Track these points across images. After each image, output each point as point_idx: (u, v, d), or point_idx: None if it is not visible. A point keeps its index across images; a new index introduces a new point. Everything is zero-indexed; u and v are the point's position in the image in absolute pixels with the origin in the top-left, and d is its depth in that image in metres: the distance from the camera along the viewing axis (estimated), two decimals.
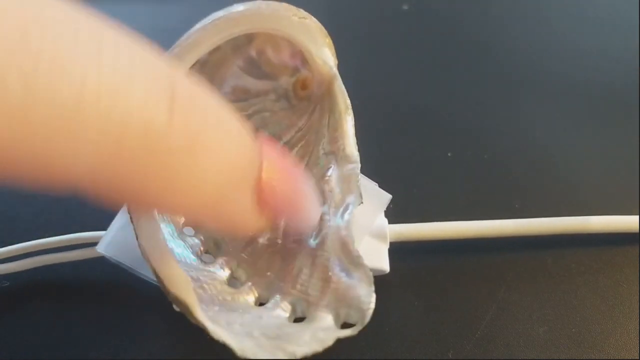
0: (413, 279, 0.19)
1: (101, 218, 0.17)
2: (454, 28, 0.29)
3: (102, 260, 0.17)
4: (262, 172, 0.11)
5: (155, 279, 0.14)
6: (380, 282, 0.14)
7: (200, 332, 0.13)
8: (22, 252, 0.18)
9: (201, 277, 0.16)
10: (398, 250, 0.18)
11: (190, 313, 0.13)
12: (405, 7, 0.30)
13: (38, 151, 0.08)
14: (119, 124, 0.08)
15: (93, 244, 0.17)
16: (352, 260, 0.15)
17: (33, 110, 0.07)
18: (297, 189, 0.13)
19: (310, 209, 0.13)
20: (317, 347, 0.13)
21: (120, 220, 0.17)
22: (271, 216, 0.12)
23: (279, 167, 0.12)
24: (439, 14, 0.30)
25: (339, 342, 0.13)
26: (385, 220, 0.18)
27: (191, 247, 0.16)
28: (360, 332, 0.14)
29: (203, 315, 0.13)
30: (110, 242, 0.17)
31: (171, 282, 0.13)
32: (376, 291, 0.14)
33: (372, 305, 0.14)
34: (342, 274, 0.15)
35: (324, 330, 0.14)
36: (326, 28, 0.16)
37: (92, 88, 0.08)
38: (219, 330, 0.13)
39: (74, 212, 0.20)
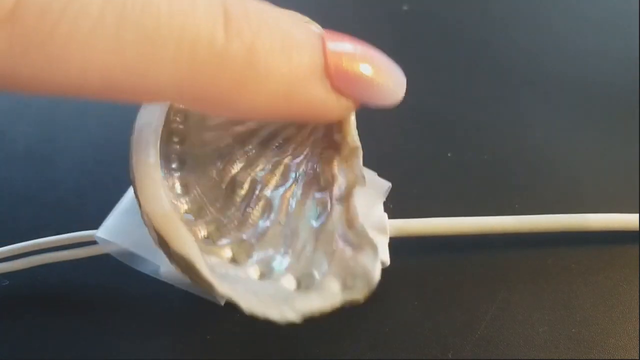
0: (413, 278, 0.19)
1: (100, 217, 0.17)
2: (454, 28, 0.29)
3: (102, 260, 0.17)
4: (328, 57, 0.12)
5: (155, 264, 0.13)
6: (380, 281, 0.14)
7: (200, 333, 0.13)
8: (21, 251, 0.18)
9: (202, 251, 0.15)
10: (398, 249, 0.18)
11: (196, 272, 0.13)
12: (405, 7, 0.30)
13: (131, 70, 0.10)
14: (190, 40, 0.10)
15: (92, 243, 0.17)
16: (356, 233, 0.15)
17: (124, 37, 0.10)
18: (370, 65, 0.13)
19: (389, 81, 0.13)
20: (327, 306, 0.13)
21: (121, 205, 0.17)
22: (353, 96, 0.13)
23: (345, 48, 0.12)
24: (439, 14, 0.30)
25: (339, 341, 0.13)
26: (385, 215, 0.18)
27: (193, 233, 0.16)
28: (360, 332, 0.14)
29: (208, 272, 0.13)
30: (111, 226, 0.16)
31: (175, 241, 0.13)
32: (376, 291, 0.14)
33: (378, 271, 0.14)
34: (346, 246, 0.15)
35: (332, 294, 0.14)
36: (325, 28, 0.16)
37: (166, 15, 0.10)
38: (225, 286, 0.13)
39: (74, 211, 0.20)
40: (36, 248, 0.18)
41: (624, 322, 0.18)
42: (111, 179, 0.21)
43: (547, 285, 0.19)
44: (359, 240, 0.14)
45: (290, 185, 0.16)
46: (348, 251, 0.15)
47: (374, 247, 0.14)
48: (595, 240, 0.20)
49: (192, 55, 0.10)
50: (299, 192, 0.16)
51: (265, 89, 0.11)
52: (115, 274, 0.18)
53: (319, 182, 0.16)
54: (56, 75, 0.09)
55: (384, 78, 0.13)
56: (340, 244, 0.15)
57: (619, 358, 0.17)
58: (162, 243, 0.13)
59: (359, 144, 0.15)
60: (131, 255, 0.16)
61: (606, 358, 0.17)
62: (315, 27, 0.13)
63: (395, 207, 0.19)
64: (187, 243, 0.13)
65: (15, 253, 0.18)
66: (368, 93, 0.13)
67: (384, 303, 0.14)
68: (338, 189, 0.16)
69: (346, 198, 0.15)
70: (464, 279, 0.19)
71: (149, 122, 0.15)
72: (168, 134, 0.16)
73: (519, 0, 0.31)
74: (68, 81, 0.10)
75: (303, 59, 0.12)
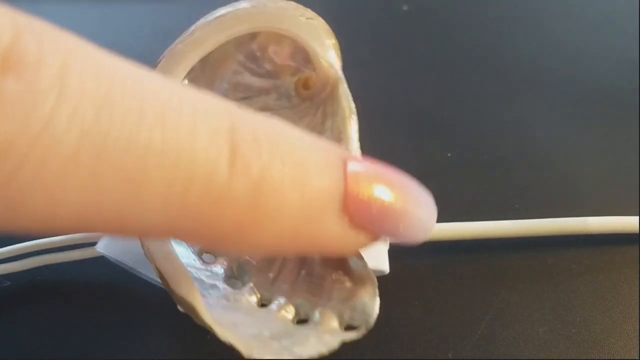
0: (413, 279, 0.19)
1: None
2: (453, 28, 0.29)
3: (102, 260, 0.17)
4: (348, 187, 0.10)
5: (156, 278, 0.14)
6: (380, 282, 0.14)
7: (200, 333, 0.13)
8: (22, 252, 0.18)
9: (203, 278, 0.16)
10: (398, 250, 0.18)
11: (197, 314, 0.13)
12: (405, 7, 0.30)
13: (109, 212, 0.09)
14: (183, 179, 0.09)
15: (93, 243, 0.17)
16: (355, 264, 0.15)
17: (102, 178, 0.08)
18: (398, 195, 0.11)
19: (419, 215, 0.11)
20: (323, 349, 0.13)
21: None
22: (372, 232, 0.11)
23: (369, 178, 0.11)
24: (439, 14, 0.30)
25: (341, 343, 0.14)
26: None
27: (192, 246, 0.16)
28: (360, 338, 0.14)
29: (210, 317, 0.13)
30: (110, 241, 0.17)
31: (176, 283, 0.13)
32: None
33: (377, 309, 0.14)
34: (346, 278, 0.15)
35: (329, 332, 0.14)
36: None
37: (157, 151, 0.08)
38: (227, 332, 0.13)
39: None
40: (37, 249, 0.18)
41: (624, 322, 0.18)
42: None
43: (547, 285, 0.19)
44: (360, 273, 0.14)
45: None
46: (347, 283, 0.14)
47: (373, 283, 0.14)
48: (595, 241, 0.20)
49: (186, 196, 0.09)
50: None
51: (272, 229, 0.10)
52: (115, 274, 0.18)
53: None
54: (17, 219, 0.08)
55: (414, 211, 0.11)
56: (340, 274, 0.15)
57: (619, 358, 0.17)
58: (163, 281, 0.13)
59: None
60: (131, 268, 0.16)
61: (606, 358, 0.17)
62: (337, 150, 0.11)
63: None
64: (189, 287, 0.13)
65: (16, 254, 0.18)
66: (394, 228, 0.11)
67: (384, 303, 0.14)
68: None
69: None
70: (464, 279, 0.19)
71: None
72: None
73: (519, 0, 0.31)
74: (32, 224, 0.08)
75: (318, 191, 0.10)
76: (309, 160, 0.10)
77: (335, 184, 0.10)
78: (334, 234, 0.10)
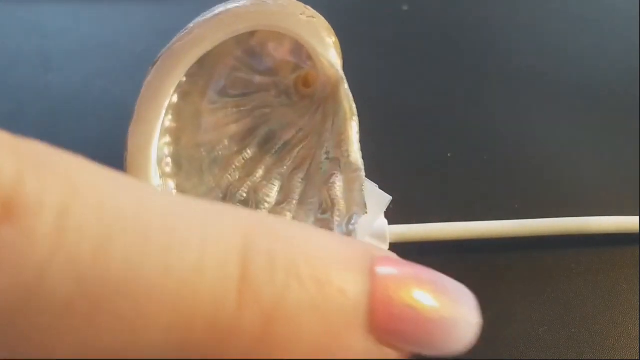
0: None
1: None
2: (454, 28, 0.29)
3: None
4: (376, 299, 0.09)
5: None
6: None
7: None
8: None
9: None
10: (398, 251, 0.18)
11: None
12: (405, 7, 0.30)
13: (107, 351, 0.08)
14: (186, 318, 0.08)
15: None
16: None
17: (98, 322, 0.08)
18: (432, 314, 0.09)
19: (462, 326, 0.10)
20: None
21: None
22: (403, 347, 0.09)
23: (401, 287, 0.09)
24: (439, 14, 0.30)
25: None
26: (385, 221, 0.18)
27: None
28: None
29: None
30: None
31: None
32: None
33: None
34: None
35: None
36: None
37: (158, 289, 0.08)
38: None
39: None
40: None
41: (624, 322, 0.18)
42: None
43: (547, 285, 0.19)
44: None
45: (290, 203, 0.16)
46: None
47: None
48: (595, 242, 0.20)
49: (189, 334, 0.08)
50: (300, 212, 0.16)
51: (284, 357, 0.09)
52: None
53: (320, 203, 0.16)
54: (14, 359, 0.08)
55: (459, 319, 0.10)
56: None
57: (619, 358, 0.17)
58: None
59: (361, 163, 0.15)
60: None
61: (606, 358, 0.17)
62: (365, 253, 0.10)
63: (395, 208, 0.19)
64: None
65: None
66: (432, 342, 0.09)
67: None
68: (339, 216, 0.15)
69: (347, 226, 0.15)
70: (464, 280, 0.19)
71: (141, 142, 0.14)
72: (161, 133, 0.15)
73: (519, 0, 0.31)
74: None
75: (341, 309, 0.09)
76: (332, 271, 0.09)
77: (360, 296, 0.09)
78: (357, 352, 0.09)
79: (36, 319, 0.08)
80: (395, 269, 0.09)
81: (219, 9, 0.15)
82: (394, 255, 0.10)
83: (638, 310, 0.18)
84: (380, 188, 0.17)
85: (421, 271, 0.10)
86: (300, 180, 0.16)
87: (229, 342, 0.08)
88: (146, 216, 0.08)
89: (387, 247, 0.17)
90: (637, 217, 0.19)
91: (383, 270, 0.09)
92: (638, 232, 0.19)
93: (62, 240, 0.07)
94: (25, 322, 0.07)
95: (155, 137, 0.15)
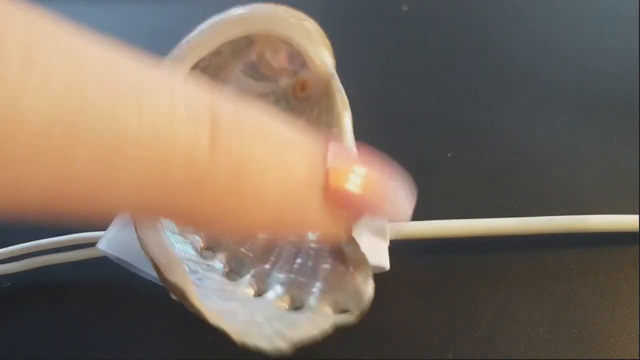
0: (413, 278, 0.19)
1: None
2: (453, 28, 0.29)
3: (102, 260, 0.17)
4: (329, 172, 0.10)
5: (154, 273, 0.14)
6: (380, 281, 0.14)
7: (200, 333, 0.13)
8: (22, 253, 0.18)
9: (200, 270, 0.16)
10: (398, 249, 0.18)
11: (187, 300, 0.13)
12: (405, 7, 0.30)
13: (84, 191, 0.08)
14: (161, 160, 0.08)
15: (93, 244, 0.17)
16: (350, 250, 0.15)
17: (75, 155, 0.08)
18: (373, 185, 0.11)
19: (395, 204, 0.12)
20: (316, 332, 0.13)
21: (121, 219, 0.17)
22: (350, 217, 0.11)
23: (348, 164, 0.11)
24: (439, 15, 0.30)
25: (339, 341, 0.13)
26: (386, 219, 0.18)
27: (191, 243, 0.16)
28: (360, 332, 0.14)
29: (200, 302, 0.13)
30: (111, 239, 0.17)
31: (168, 270, 0.13)
32: (376, 291, 0.14)
33: (371, 292, 0.14)
34: (340, 264, 0.15)
35: (322, 317, 0.14)
36: (326, 28, 0.17)
37: (133, 130, 0.08)
38: (216, 317, 0.13)
39: None
40: (37, 250, 0.18)
41: (624, 322, 0.18)
42: None
43: (547, 285, 0.19)
44: (354, 257, 0.15)
45: None
46: (342, 269, 0.15)
47: (366, 266, 0.14)
48: (595, 241, 0.20)
49: (165, 178, 0.08)
50: None
51: (254, 213, 0.10)
52: (115, 275, 0.18)
53: None
54: None
55: (390, 196, 0.11)
56: (334, 260, 0.15)
57: (619, 358, 0.17)
58: (155, 268, 0.13)
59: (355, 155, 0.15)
60: (132, 266, 0.16)
61: (606, 358, 0.17)
62: (317, 137, 0.11)
63: None
64: (178, 272, 0.13)
65: (16, 254, 0.18)
66: (370, 212, 0.11)
67: (385, 304, 0.14)
68: None
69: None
70: (464, 279, 0.19)
71: None
72: None
73: (519, 1, 0.31)
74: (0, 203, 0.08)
75: (300, 177, 0.10)
76: (291, 146, 0.10)
77: (317, 169, 0.10)
78: (315, 218, 0.11)
79: (9, 148, 0.07)
80: (345, 154, 0.11)
81: (215, 18, 0.16)
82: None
83: (638, 310, 0.18)
84: None
85: (367, 158, 0.11)
86: None
87: (204, 188, 0.09)
88: (116, 66, 0.08)
89: (387, 244, 0.17)
90: (637, 216, 0.19)
91: (335, 153, 0.11)
92: (638, 231, 0.19)
93: (31, 68, 0.07)
94: (1, 152, 0.07)
95: None
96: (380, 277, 0.15)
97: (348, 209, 0.11)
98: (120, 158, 0.08)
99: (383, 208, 0.11)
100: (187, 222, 0.10)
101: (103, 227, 0.17)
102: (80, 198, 0.08)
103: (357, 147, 0.11)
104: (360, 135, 0.16)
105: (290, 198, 0.10)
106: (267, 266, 0.16)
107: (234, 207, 0.09)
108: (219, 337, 0.18)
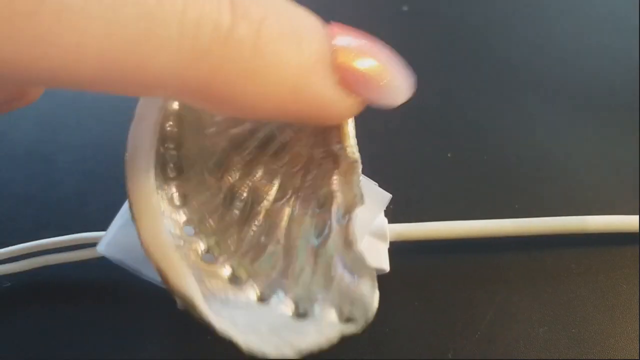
0: (413, 279, 0.19)
1: (101, 218, 0.17)
2: (454, 28, 0.29)
3: (102, 260, 0.17)
4: (336, 49, 0.11)
5: (156, 277, 0.14)
6: (380, 282, 0.14)
7: (200, 333, 0.13)
8: (23, 253, 0.18)
9: (202, 274, 0.16)
10: (398, 250, 0.18)
11: (194, 307, 0.13)
12: (405, 7, 0.30)
13: (130, 54, 0.09)
14: (193, 24, 0.09)
15: (94, 244, 0.17)
16: (355, 259, 0.15)
17: (123, 13, 0.09)
18: (377, 60, 0.12)
19: (397, 78, 0.13)
20: (323, 342, 0.13)
21: (120, 219, 0.17)
22: (358, 93, 0.12)
23: (353, 44, 0.12)
24: (439, 15, 0.30)
25: (339, 341, 0.14)
26: (385, 220, 0.18)
27: (192, 244, 0.16)
28: (360, 333, 0.14)
29: (207, 310, 0.13)
30: (111, 241, 0.17)
31: (174, 276, 0.13)
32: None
33: (376, 302, 0.14)
34: (345, 272, 0.15)
35: (329, 326, 0.14)
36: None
37: None
38: (224, 325, 0.13)
39: (74, 212, 0.20)
40: (37, 249, 0.18)
41: (624, 322, 0.18)
42: (112, 179, 0.21)
43: (547, 285, 0.19)
44: (358, 266, 0.14)
45: (289, 200, 0.16)
46: (347, 277, 0.15)
47: (372, 276, 0.14)
48: (595, 241, 0.20)
49: (196, 39, 0.10)
50: (298, 207, 0.16)
51: (274, 80, 0.11)
52: (115, 275, 0.18)
53: (317, 198, 0.16)
54: (45, 58, 0.09)
55: (392, 75, 0.13)
56: (340, 269, 0.15)
57: (619, 358, 0.17)
58: (161, 275, 0.13)
59: (358, 156, 0.15)
60: (134, 269, 0.16)
61: (606, 358, 0.17)
62: (321, 21, 0.12)
63: (395, 207, 0.19)
64: (186, 279, 0.13)
65: (17, 254, 0.18)
66: (375, 90, 0.12)
67: (385, 304, 0.14)
68: (337, 209, 0.15)
69: (344, 218, 0.15)
70: (464, 279, 0.19)
71: (142, 142, 0.15)
72: (162, 139, 0.16)
73: (519, 1, 0.31)
74: (58, 65, 0.09)
75: (312, 47, 0.11)
76: (302, 23, 0.11)
77: (325, 43, 0.11)
78: (326, 92, 0.12)
79: (64, 4, 0.08)
80: (351, 36, 0.12)
81: None
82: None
83: (638, 310, 0.18)
84: (380, 187, 0.17)
85: (369, 41, 0.12)
86: (298, 177, 0.17)
87: (230, 50, 0.10)
88: None
89: (387, 245, 0.17)
90: (637, 216, 0.19)
91: (340, 35, 0.12)
92: (638, 231, 0.19)
93: None
94: (53, 6, 0.08)
95: (155, 139, 0.15)
96: (380, 277, 0.15)
97: (357, 88, 0.12)
98: (160, 13, 0.09)
99: (387, 84, 0.12)
100: (213, 97, 0.11)
101: (103, 227, 0.17)
102: (127, 61, 0.09)
103: (358, 32, 0.12)
104: (360, 135, 0.16)
105: (305, 68, 0.11)
106: (270, 272, 0.16)
107: (256, 75, 0.10)
108: (219, 337, 0.18)
